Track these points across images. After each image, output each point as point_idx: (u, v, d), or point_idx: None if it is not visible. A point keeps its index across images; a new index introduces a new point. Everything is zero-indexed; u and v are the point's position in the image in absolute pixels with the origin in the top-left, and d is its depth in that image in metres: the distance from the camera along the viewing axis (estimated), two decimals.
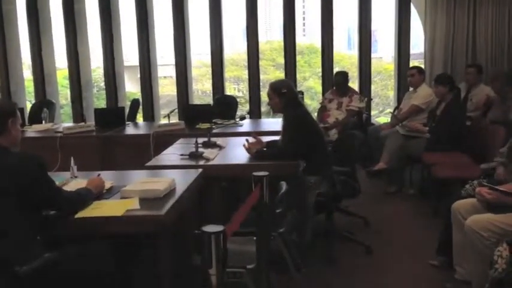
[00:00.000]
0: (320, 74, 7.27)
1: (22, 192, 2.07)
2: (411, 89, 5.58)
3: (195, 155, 3.62)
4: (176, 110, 6.84)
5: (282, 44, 7.16)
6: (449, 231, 3.02)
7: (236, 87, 13.02)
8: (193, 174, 3.06)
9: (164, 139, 4.55)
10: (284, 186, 2.64)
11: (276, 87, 3.61)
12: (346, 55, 13.11)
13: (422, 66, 6.30)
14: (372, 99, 7.32)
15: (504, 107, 4.88)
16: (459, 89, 5.46)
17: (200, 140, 3.86)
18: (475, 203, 2.90)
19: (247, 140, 3.70)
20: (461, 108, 5.03)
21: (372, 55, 7.18)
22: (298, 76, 7.47)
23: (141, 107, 6.98)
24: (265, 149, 3.69)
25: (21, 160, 2.14)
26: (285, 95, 3.56)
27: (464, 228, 2.72)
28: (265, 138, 3.94)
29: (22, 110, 5.99)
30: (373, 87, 8.01)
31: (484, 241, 2.61)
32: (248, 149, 3.61)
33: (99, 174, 2.82)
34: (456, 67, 6.45)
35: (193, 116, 5.27)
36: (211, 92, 7.37)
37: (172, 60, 7.32)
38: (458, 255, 2.95)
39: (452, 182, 3.88)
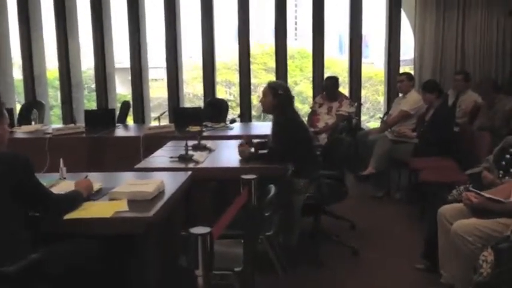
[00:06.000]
0: (311, 78, 7.31)
1: (9, 192, 2.06)
2: (400, 94, 5.64)
3: (184, 158, 3.63)
4: (166, 113, 6.84)
5: (274, 48, 7.19)
6: (434, 235, 3.05)
7: (227, 90, 13.03)
8: (182, 176, 3.07)
9: (154, 141, 4.55)
10: (272, 189, 2.65)
11: (273, 87, 3.64)
12: (337, 60, 13.17)
13: (412, 72, 6.37)
14: (362, 104, 7.36)
15: (490, 113, 4.94)
16: (447, 94, 5.52)
17: (190, 143, 3.87)
18: (461, 208, 2.93)
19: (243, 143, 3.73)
20: (449, 114, 5.08)
21: (363, 60, 7.24)
22: (289, 80, 7.50)
23: (131, 109, 6.97)
24: (253, 149, 3.71)
25: (8, 160, 2.12)
26: (280, 97, 3.58)
27: (450, 233, 2.75)
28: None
29: (11, 111, 5.96)
30: (363, 92, 8.07)
31: (470, 246, 2.64)
32: (241, 152, 3.64)
33: (86, 176, 2.82)
34: (445, 73, 6.53)
35: (184, 119, 5.28)
36: (203, 95, 7.38)
37: (164, 63, 7.33)
38: (443, 259, 2.98)
39: (439, 187, 3.91)
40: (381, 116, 6.42)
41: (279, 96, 3.58)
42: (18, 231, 2.10)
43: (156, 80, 11.68)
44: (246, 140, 3.81)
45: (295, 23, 17.55)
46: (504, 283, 2.30)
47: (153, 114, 7.46)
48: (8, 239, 2.04)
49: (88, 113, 5.60)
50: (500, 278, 2.31)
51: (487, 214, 2.75)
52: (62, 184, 2.84)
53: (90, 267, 2.25)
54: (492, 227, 2.67)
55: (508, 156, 3.16)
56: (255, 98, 7.96)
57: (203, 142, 4.06)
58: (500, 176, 3.11)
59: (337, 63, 12.43)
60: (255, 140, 3.89)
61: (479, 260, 2.46)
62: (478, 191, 2.85)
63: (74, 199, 2.43)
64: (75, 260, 2.22)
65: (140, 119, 7.33)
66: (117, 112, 6.25)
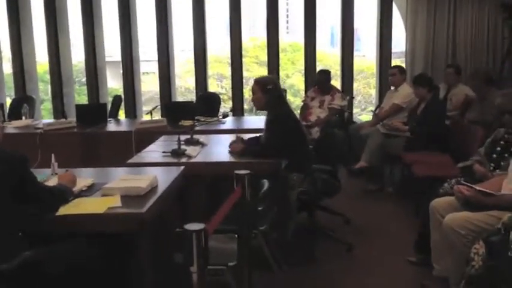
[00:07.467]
0: (303, 71, 7.31)
1: (9, 191, 2.04)
2: (392, 88, 5.65)
3: (177, 153, 3.61)
4: (159, 107, 6.81)
5: (266, 41, 7.18)
6: (427, 228, 3.07)
7: (219, 84, 12.99)
8: (175, 171, 3.06)
9: (146, 136, 4.52)
10: (266, 184, 2.66)
11: (261, 83, 3.58)
12: (329, 53, 13.15)
13: (404, 65, 6.39)
14: (354, 98, 7.38)
15: (482, 107, 4.96)
16: (438, 88, 5.54)
17: (182, 137, 3.85)
18: (452, 201, 2.95)
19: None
20: (440, 108, 5.09)
21: (355, 53, 7.25)
22: (281, 73, 7.50)
23: (123, 103, 6.93)
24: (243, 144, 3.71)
25: (8, 159, 2.09)
26: (270, 92, 3.54)
27: (442, 226, 2.77)
28: (248, 136, 3.96)
29: (2, 106, 5.90)
30: (355, 85, 8.08)
31: (462, 239, 2.66)
32: (233, 149, 3.63)
33: (67, 170, 2.81)
34: (436, 66, 6.55)
35: (176, 113, 5.25)
36: (194, 88, 7.35)
37: (155, 56, 7.28)
38: (435, 252, 3.00)
39: (431, 180, 3.93)
40: (373, 109, 6.44)
41: (268, 91, 3.54)
42: (18, 231, 2.09)
43: (147, 73, 11.61)
44: (238, 139, 3.80)
45: (287, 16, 17.51)
46: (496, 276, 2.33)
47: (145, 108, 7.43)
48: (9, 239, 2.03)
49: (79, 108, 5.55)
50: (492, 271, 2.33)
51: (478, 207, 2.77)
52: (53, 180, 2.82)
53: (90, 266, 2.24)
54: (484, 220, 2.68)
55: (498, 149, 3.18)
56: (247, 92, 7.95)
57: (196, 136, 4.05)
58: (491, 169, 3.13)
59: (329, 57, 12.41)
60: (247, 136, 3.88)
61: (470, 253, 2.48)
62: (470, 184, 2.87)
63: (65, 192, 2.42)
64: (75, 260, 2.21)
65: (132, 113, 7.29)
66: (109, 106, 6.21)
